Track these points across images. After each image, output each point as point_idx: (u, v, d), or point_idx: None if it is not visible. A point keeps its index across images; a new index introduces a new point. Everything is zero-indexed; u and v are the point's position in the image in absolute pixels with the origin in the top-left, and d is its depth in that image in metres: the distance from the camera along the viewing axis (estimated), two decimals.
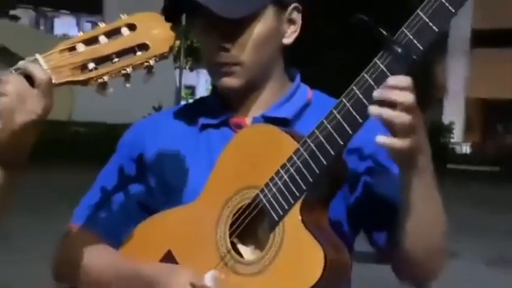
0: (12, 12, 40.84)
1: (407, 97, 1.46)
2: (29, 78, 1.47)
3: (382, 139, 1.47)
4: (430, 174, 1.58)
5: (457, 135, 45.81)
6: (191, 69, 45.67)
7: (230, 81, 1.74)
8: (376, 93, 1.47)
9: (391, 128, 1.47)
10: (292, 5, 1.78)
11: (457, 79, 48.57)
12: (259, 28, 1.72)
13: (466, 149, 45.14)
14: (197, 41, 1.87)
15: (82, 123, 23.25)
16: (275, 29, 1.75)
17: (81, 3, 38.31)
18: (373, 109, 1.46)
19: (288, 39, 1.79)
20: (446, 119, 45.36)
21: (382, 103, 1.46)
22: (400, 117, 1.46)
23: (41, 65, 1.48)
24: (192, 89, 51.47)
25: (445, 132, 41.15)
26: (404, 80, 1.47)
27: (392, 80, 1.46)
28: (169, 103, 21.89)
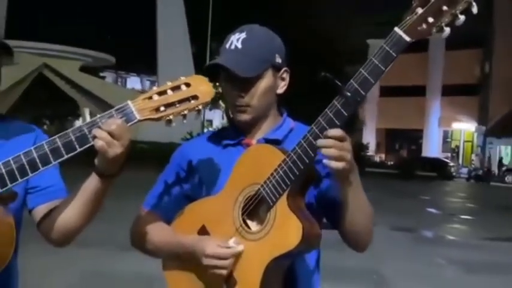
0: (101, 74, 40.94)
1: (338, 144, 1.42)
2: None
3: (326, 162, 1.43)
4: (358, 183, 1.53)
5: (371, 150, 46.23)
6: (210, 109, 46.22)
7: (244, 116, 1.68)
8: (319, 142, 1.43)
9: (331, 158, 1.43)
10: (284, 69, 1.72)
11: (371, 116, 48.93)
12: (263, 84, 1.66)
13: (376, 159, 45.30)
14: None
15: (144, 142, 23.28)
16: (272, 84, 1.69)
17: (143, 69, 38.36)
18: (320, 142, 1.43)
19: (280, 90, 1.73)
20: (364, 141, 45.73)
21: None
22: (337, 153, 1.42)
23: (131, 108, 1.45)
24: (210, 121, 52.07)
25: (363, 148, 41.49)
26: (340, 132, 1.43)
27: (330, 132, 1.43)
28: (196, 130, 22.05)
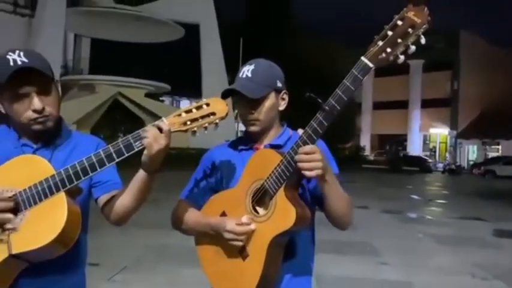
0: (160, 98, 41.29)
1: (308, 157, 1.40)
2: (160, 129, 1.44)
3: (303, 172, 1.41)
4: (333, 181, 1.49)
5: (367, 151, 45.73)
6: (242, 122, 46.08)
7: (253, 128, 1.67)
8: (297, 157, 1.41)
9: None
10: (283, 91, 1.71)
11: (366, 125, 48.51)
12: (268, 103, 1.65)
13: (371, 157, 44.63)
14: None
15: (193, 148, 23.31)
16: (275, 103, 1.68)
17: (191, 94, 38.57)
18: (296, 158, 1.42)
19: (281, 107, 1.71)
20: (362, 144, 45.37)
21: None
22: (307, 165, 1.41)
23: (165, 122, 1.45)
24: (243, 132, 51.73)
25: (361, 150, 41.03)
26: (309, 148, 1.41)
27: (301, 149, 1.41)
28: (233, 139, 21.80)
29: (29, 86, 1.45)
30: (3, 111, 1.51)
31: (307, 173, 1.41)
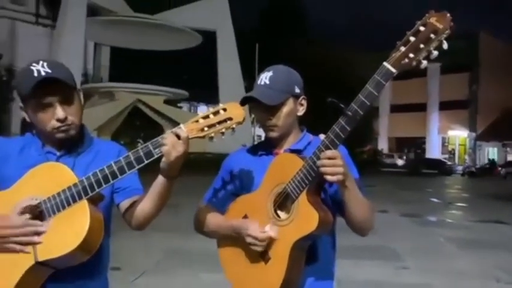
0: (178, 104, 41.60)
1: (331, 162, 1.40)
2: (177, 136, 1.44)
3: (325, 177, 1.41)
4: (354, 187, 1.49)
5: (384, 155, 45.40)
6: (260, 127, 45.94)
7: (272, 134, 1.67)
8: (319, 162, 1.41)
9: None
10: (302, 96, 1.71)
11: (384, 128, 48.11)
12: (286, 109, 1.65)
13: (389, 161, 44.19)
14: None
15: (210, 153, 23.39)
16: (293, 109, 1.68)
17: (208, 100, 38.76)
18: (319, 163, 1.42)
19: (300, 113, 1.71)
20: (379, 147, 44.97)
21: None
22: (330, 170, 1.40)
23: (183, 129, 1.44)
24: (260, 136, 51.79)
25: (379, 153, 40.64)
26: (331, 153, 1.40)
27: (325, 154, 1.40)
28: (249, 143, 21.94)
29: (52, 96, 1.47)
30: (27, 119, 1.53)
31: (329, 178, 1.41)
